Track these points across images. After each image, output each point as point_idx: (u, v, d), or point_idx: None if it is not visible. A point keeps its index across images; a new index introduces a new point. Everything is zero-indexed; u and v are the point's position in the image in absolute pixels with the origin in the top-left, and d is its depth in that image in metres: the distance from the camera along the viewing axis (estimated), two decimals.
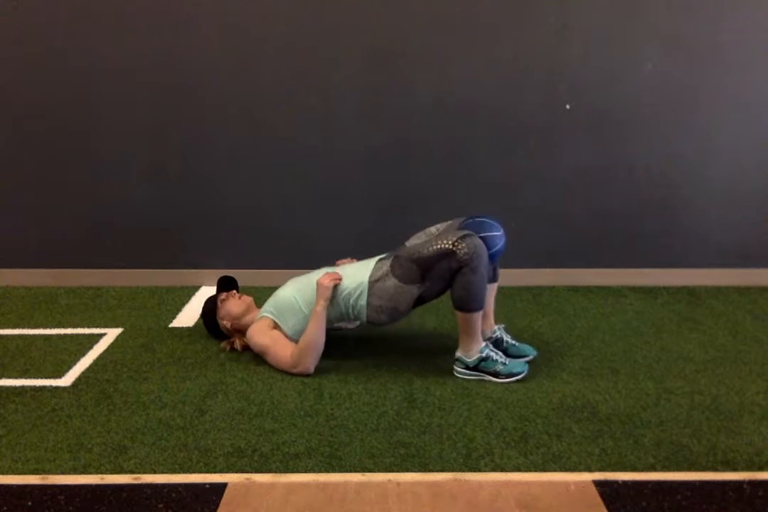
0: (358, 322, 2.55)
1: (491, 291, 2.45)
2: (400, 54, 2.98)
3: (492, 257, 2.32)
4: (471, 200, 3.14)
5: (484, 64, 2.99)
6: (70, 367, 2.45)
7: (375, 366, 2.46)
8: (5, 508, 1.70)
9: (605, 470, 1.84)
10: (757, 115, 3.05)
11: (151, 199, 3.20)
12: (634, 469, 1.84)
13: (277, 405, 2.18)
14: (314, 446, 1.95)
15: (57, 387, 2.30)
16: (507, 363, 2.33)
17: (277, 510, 1.68)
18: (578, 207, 3.20)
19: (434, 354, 2.54)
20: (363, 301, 2.35)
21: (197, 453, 1.92)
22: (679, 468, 1.84)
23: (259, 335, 2.41)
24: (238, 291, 2.66)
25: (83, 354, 2.55)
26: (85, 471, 1.84)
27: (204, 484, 1.78)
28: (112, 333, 2.75)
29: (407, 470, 1.84)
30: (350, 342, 2.65)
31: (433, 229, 2.47)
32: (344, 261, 2.62)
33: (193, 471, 1.84)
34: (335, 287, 2.37)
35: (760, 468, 1.84)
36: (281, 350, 2.37)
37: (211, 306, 2.60)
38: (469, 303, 2.24)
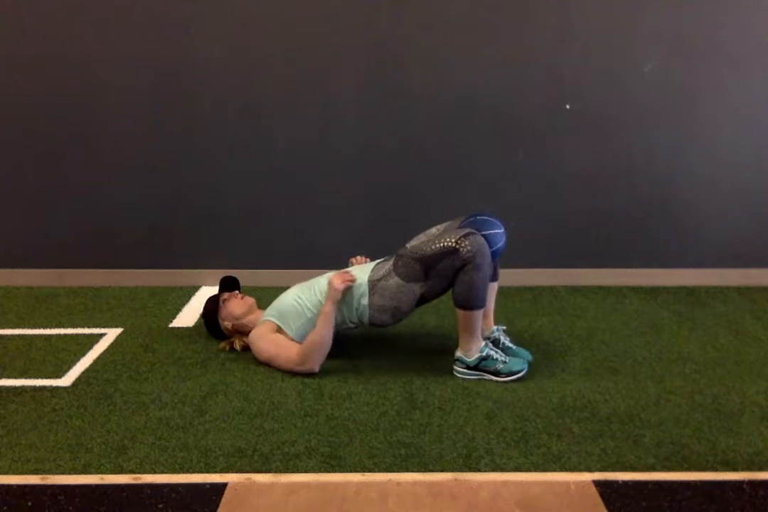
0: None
1: (492, 290, 2.45)
2: (400, 54, 2.98)
3: (493, 255, 2.32)
4: (471, 200, 3.13)
5: (484, 64, 2.99)
6: (70, 367, 2.45)
7: (375, 366, 2.46)
8: (5, 508, 1.70)
9: (605, 470, 1.84)
10: (757, 115, 3.05)
11: (151, 199, 3.20)
12: (634, 469, 1.84)
13: (277, 405, 2.18)
14: (314, 446, 1.95)
15: (57, 387, 2.30)
16: (507, 361, 2.33)
17: (277, 510, 1.68)
18: (578, 207, 3.20)
19: (434, 354, 2.54)
20: (365, 301, 2.35)
21: (197, 453, 1.92)
22: (679, 468, 1.85)
23: (261, 339, 2.41)
24: (240, 292, 2.66)
25: (83, 354, 2.55)
26: (85, 471, 1.84)
27: (204, 484, 1.78)
28: (112, 333, 2.75)
29: (407, 470, 1.84)
30: (350, 342, 2.65)
31: (434, 230, 2.47)
32: (358, 258, 2.61)
33: (193, 471, 1.84)
34: (346, 289, 2.36)
35: (760, 468, 1.84)
36: (286, 350, 2.36)
37: (212, 306, 2.60)
38: (471, 301, 2.24)
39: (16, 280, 3.30)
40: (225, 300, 2.59)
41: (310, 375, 2.36)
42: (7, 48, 2.97)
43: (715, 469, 1.84)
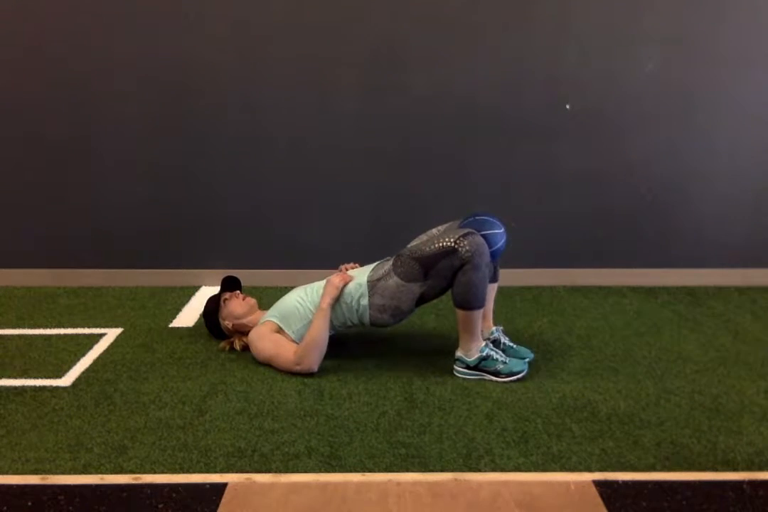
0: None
1: (491, 291, 2.45)
2: (400, 54, 2.98)
3: (493, 256, 2.32)
4: (471, 200, 3.13)
5: (484, 65, 2.99)
6: (70, 367, 2.45)
7: (375, 366, 2.46)
8: (5, 508, 1.70)
9: (605, 470, 1.83)
10: (757, 115, 3.05)
11: (151, 199, 3.20)
12: (634, 469, 1.84)
13: (277, 405, 2.18)
14: (314, 446, 1.95)
15: (57, 387, 2.30)
16: (507, 362, 2.33)
17: (277, 510, 1.68)
18: (578, 207, 3.20)
19: (434, 354, 2.54)
20: (365, 301, 2.35)
21: (197, 453, 1.92)
22: (679, 468, 1.84)
23: (261, 339, 2.41)
24: (241, 292, 2.66)
25: (83, 354, 2.55)
26: (85, 471, 1.84)
27: (204, 484, 1.78)
28: (112, 333, 2.75)
29: (407, 470, 1.84)
30: (350, 342, 2.65)
31: (434, 231, 2.47)
32: (348, 265, 2.61)
33: (193, 471, 1.84)
34: (344, 287, 2.38)
35: (760, 468, 1.84)
36: (285, 351, 2.37)
37: (213, 306, 2.60)
38: (470, 301, 2.24)
39: (16, 280, 3.30)
40: (226, 299, 2.59)
41: (310, 375, 2.36)
42: (7, 48, 2.97)
43: (715, 469, 1.84)
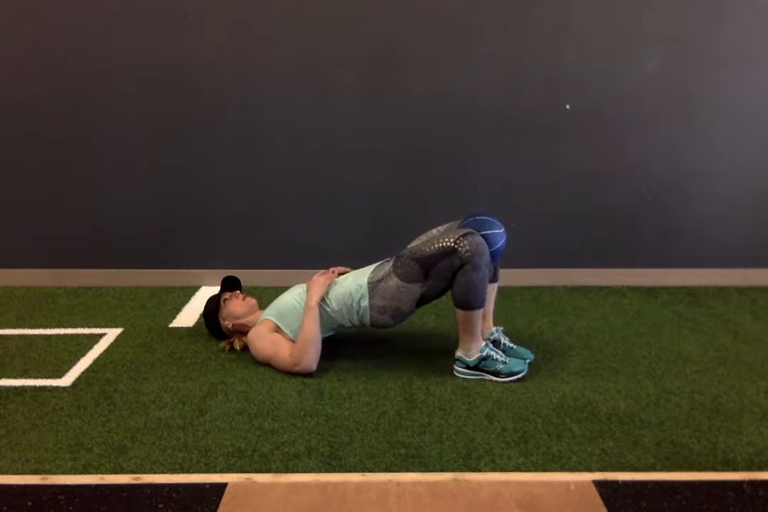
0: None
1: (491, 291, 2.45)
2: (400, 54, 2.98)
3: (493, 256, 2.32)
4: (471, 200, 3.13)
5: (484, 64, 2.99)
6: (70, 367, 2.45)
7: (375, 366, 2.46)
8: (5, 508, 1.70)
9: (605, 470, 1.84)
10: (757, 115, 3.05)
11: (151, 199, 3.20)
12: (634, 469, 1.84)
13: (277, 405, 2.18)
14: (314, 446, 1.95)
15: (57, 387, 2.30)
16: (507, 362, 2.33)
17: (277, 510, 1.68)
18: (578, 207, 3.20)
19: (434, 354, 2.54)
20: (365, 303, 2.35)
21: (197, 453, 1.92)
22: (679, 468, 1.85)
23: (260, 339, 2.41)
24: (241, 292, 2.66)
25: (83, 354, 2.55)
26: (85, 471, 1.84)
27: (204, 484, 1.78)
28: (112, 333, 2.75)
29: (407, 470, 1.84)
30: (350, 342, 2.65)
31: (434, 231, 2.47)
32: (339, 269, 2.61)
33: (193, 471, 1.84)
34: (331, 285, 2.41)
35: (760, 468, 1.84)
36: (282, 351, 2.37)
37: (213, 306, 2.60)
38: (471, 301, 2.24)
39: (16, 280, 3.30)
40: (226, 299, 2.59)
41: (309, 374, 2.36)
42: (7, 48, 2.97)
43: (715, 469, 1.84)
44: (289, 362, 2.35)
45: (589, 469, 1.84)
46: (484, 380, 2.33)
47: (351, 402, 2.20)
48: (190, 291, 3.24)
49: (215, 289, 2.79)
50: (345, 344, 2.62)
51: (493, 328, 2.49)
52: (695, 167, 3.13)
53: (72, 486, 1.78)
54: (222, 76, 3.02)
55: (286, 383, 2.33)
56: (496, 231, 2.35)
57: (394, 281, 2.32)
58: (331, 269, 2.56)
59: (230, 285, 2.71)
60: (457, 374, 2.37)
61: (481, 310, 2.29)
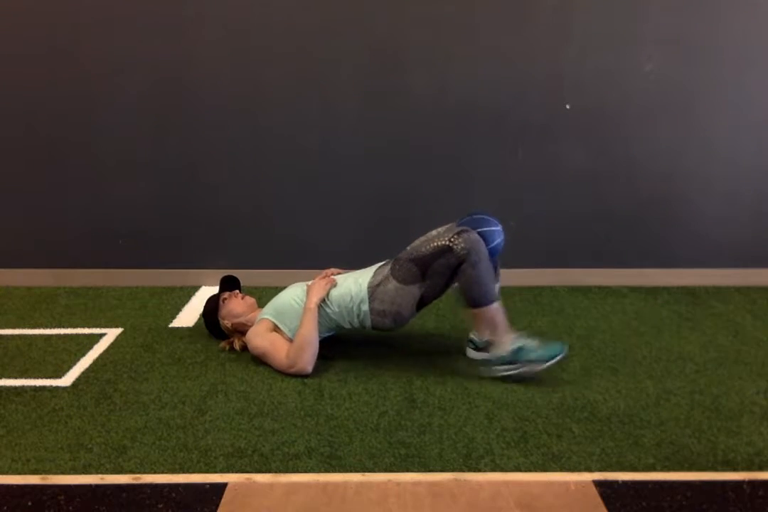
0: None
1: None
2: (400, 54, 2.98)
3: (491, 253, 2.31)
4: (471, 200, 3.13)
5: (484, 65, 2.99)
6: (70, 367, 2.45)
7: (375, 366, 2.46)
8: (5, 508, 1.70)
9: (605, 470, 1.83)
10: (757, 115, 3.05)
11: (151, 199, 3.20)
12: (634, 469, 1.84)
13: (277, 405, 2.18)
14: (314, 446, 1.95)
15: (57, 387, 2.30)
16: (539, 348, 2.28)
17: (277, 510, 1.68)
18: (578, 207, 3.20)
19: (434, 354, 2.54)
20: (365, 307, 2.35)
21: (197, 453, 1.92)
22: (679, 468, 1.84)
23: (258, 337, 2.41)
24: (241, 291, 2.66)
25: (83, 354, 2.55)
26: (85, 471, 1.84)
27: (204, 484, 1.78)
28: (112, 333, 2.75)
29: (407, 470, 1.84)
30: (350, 343, 2.65)
31: (433, 233, 2.47)
32: (333, 270, 2.60)
33: (193, 471, 1.84)
34: (333, 287, 2.41)
35: (760, 468, 1.84)
36: (278, 352, 2.37)
37: (212, 305, 2.60)
38: (479, 299, 2.23)
39: (16, 280, 3.30)
40: (225, 299, 2.59)
41: (309, 375, 2.36)
42: (8, 48, 2.97)
43: (715, 469, 1.84)
44: (284, 363, 2.35)
45: (589, 469, 1.84)
46: (527, 370, 2.26)
47: (351, 402, 2.20)
48: (190, 291, 3.24)
49: (215, 289, 2.78)
50: (345, 344, 2.62)
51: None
52: (695, 167, 3.13)
53: (72, 486, 1.78)
54: (222, 76, 3.01)
55: (286, 383, 2.33)
56: (493, 228, 2.35)
57: (392, 284, 2.32)
58: (324, 272, 2.56)
59: (229, 284, 2.71)
60: (498, 374, 2.29)
61: (495, 304, 2.25)
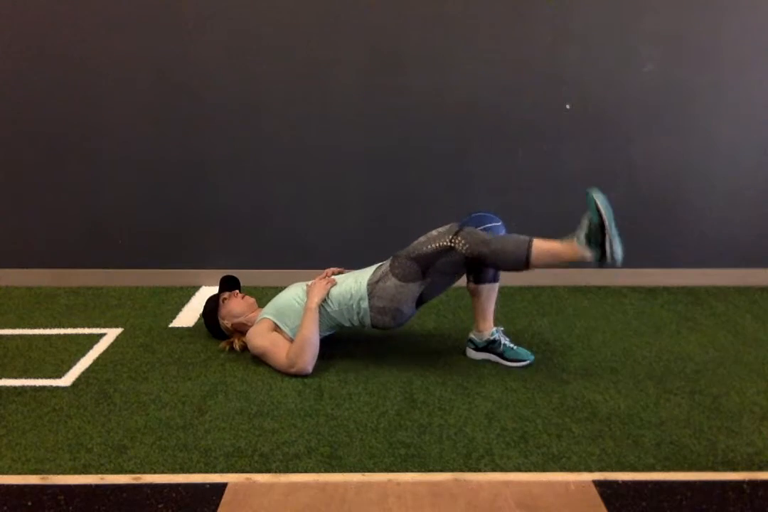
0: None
1: (492, 292, 2.44)
2: (400, 54, 2.98)
3: None
4: (471, 200, 3.13)
5: (484, 65, 2.99)
6: (70, 367, 2.45)
7: (375, 366, 2.46)
8: (5, 508, 1.70)
9: (605, 470, 1.83)
10: (757, 115, 3.05)
11: (151, 198, 3.20)
12: (634, 469, 1.84)
13: (277, 405, 2.18)
14: (314, 446, 1.95)
15: (57, 387, 2.30)
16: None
17: (277, 510, 1.68)
18: (578, 207, 3.19)
19: (434, 354, 2.54)
20: (365, 304, 2.36)
21: (197, 453, 1.92)
22: (679, 468, 1.84)
23: (258, 337, 2.41)
24: (240, 291, 2.66)
25: (83, 354, 2.55)
26: (85, 471, 1.84)
27: (204, 484, 1.78)
28: (112, 333, 2.75)
29: (407, 470, 1.84)
30: (350, 342, 2.65)
31: (434, 233, 2.46)
32: (334, 269, 2.60)
33: (193, 471, 1.84)
34: (332, 287, 2.42)
35: (760, 468, 1.84)
36: (279, 351, 2.37)
37: (212, 305, 2.60)
38: (515, 262, 2.21)
39: (16, 280, 3.30)
40: (225, 299, 2.59)
41: (308, 375, 2.36)
42: (8, 47, 2.97)
43: (715, 469, 1.84)
44: (285, 363, 2.35)
45: (589, 469, 1.84)
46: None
47: (351, 402, 2.20)
48: (190, 292, 3.24)
49: (215, 289, 2.78)
50: (345, 344, 2.62)
51: (494, 329, 2.49)
52: (695, 167, 3.13)
53: (72, 486, 1.78)
54: (222, 75, 3.02)
55: (286, 383, 2.33)
56: (494, 224, 2.37)
57: (392, 281, 2.32)
58: (325, 272, 2.56)
59: (229, 284, 2.71)
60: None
61: (532, 246, 2.21)
